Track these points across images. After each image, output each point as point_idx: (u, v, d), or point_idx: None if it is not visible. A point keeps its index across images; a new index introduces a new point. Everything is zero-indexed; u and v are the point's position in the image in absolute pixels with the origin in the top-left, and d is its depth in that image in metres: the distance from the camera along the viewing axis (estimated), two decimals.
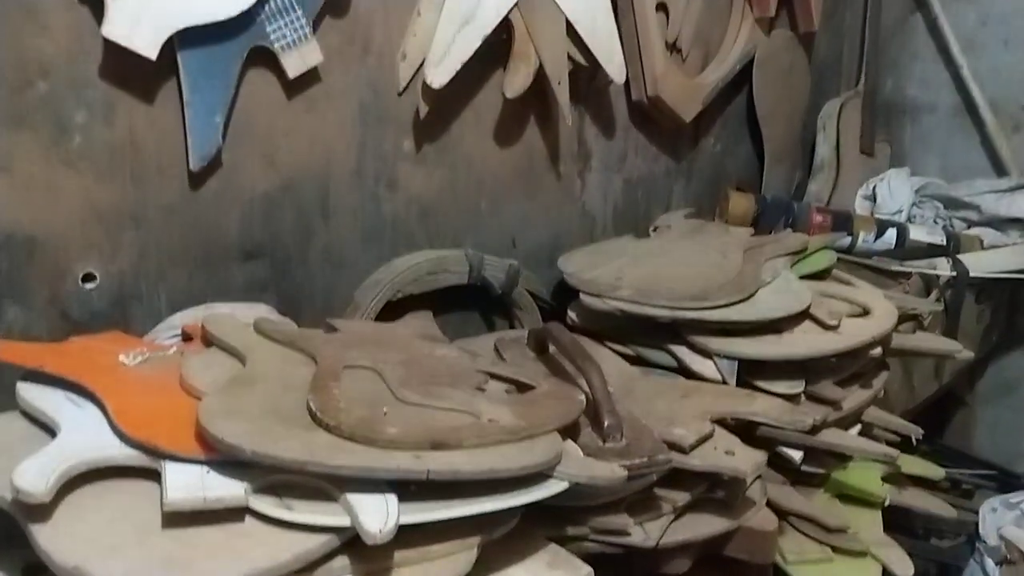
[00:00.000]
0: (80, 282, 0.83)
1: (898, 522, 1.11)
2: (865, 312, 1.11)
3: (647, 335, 1.06)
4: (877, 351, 1.06)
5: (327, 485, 0.58)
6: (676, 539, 0.81)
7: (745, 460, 0.82)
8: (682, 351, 1.03)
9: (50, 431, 0.64)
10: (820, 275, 1.24)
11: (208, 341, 0.80)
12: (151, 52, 0.80)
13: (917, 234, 1.50)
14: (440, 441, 0.61)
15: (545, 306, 1.24)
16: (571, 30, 1.15)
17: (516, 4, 1.06)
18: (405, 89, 1.05)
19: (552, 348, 0.97)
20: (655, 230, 1.37)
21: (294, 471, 0.56)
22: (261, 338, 0.80)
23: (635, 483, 0.79)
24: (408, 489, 0.59)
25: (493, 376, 0.81)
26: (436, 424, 0.64)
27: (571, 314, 1.13)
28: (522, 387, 0.81)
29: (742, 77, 1.52)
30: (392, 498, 0.57)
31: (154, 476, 0.59)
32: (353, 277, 1.05)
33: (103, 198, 0.83)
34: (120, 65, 0.81)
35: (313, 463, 0.56)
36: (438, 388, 0.73)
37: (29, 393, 0.67)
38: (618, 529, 0.77)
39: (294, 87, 0.95)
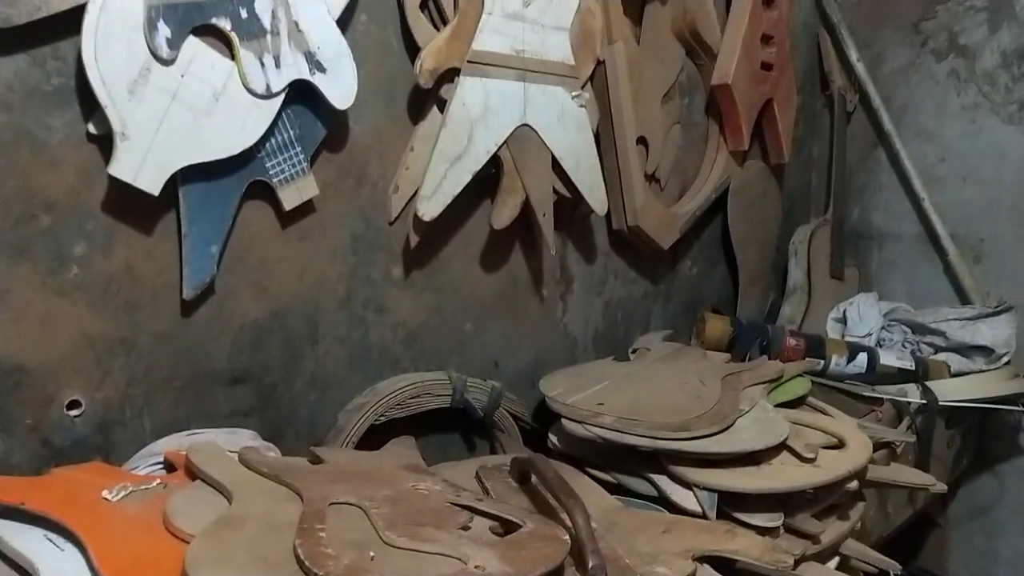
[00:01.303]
0: (65, 409, 0.83)
1: None
2: (841, 444, 1.13)
3: (628, 462, 1.07)
4: (854, 484, 1.08)
5: None
6: None
7: None
8: (663, 481, 1.04)
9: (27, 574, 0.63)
10: (795, 403, 1.27)
11: (192, 474, 0.80)
12: (154, 189, 0.83)
13: (887, 359, 1.54)
14: None
15: (527, 427, 1.25)
16: (556, 165, 1.20)
17: (505, 142, 1.12)
18: (396, 219, 1.09)
19: (534, 480, 0.97)
20: (634, 352, 1.39)
21: None
22: (246, 471, 0.80)
23: None
24: None
25: (478, 512, 0.81)
26: (424, 573, 0.64)
27: (552, 438, 1.14)
28: (507, 524, 0.81)
29: (717, 205, 1.59)
30: None
31: None
32: (338, 400, 1.06)
33: (95, 326, 0.84)
34: (121, 199, 0.84)
35: None
36: (424, 530, 0.73)
37: (7, 533, 0.66)
38: None
39: (289, 218, 0.98)
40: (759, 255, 1.70)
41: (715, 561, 0.89)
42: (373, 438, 1.05)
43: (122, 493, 0.73)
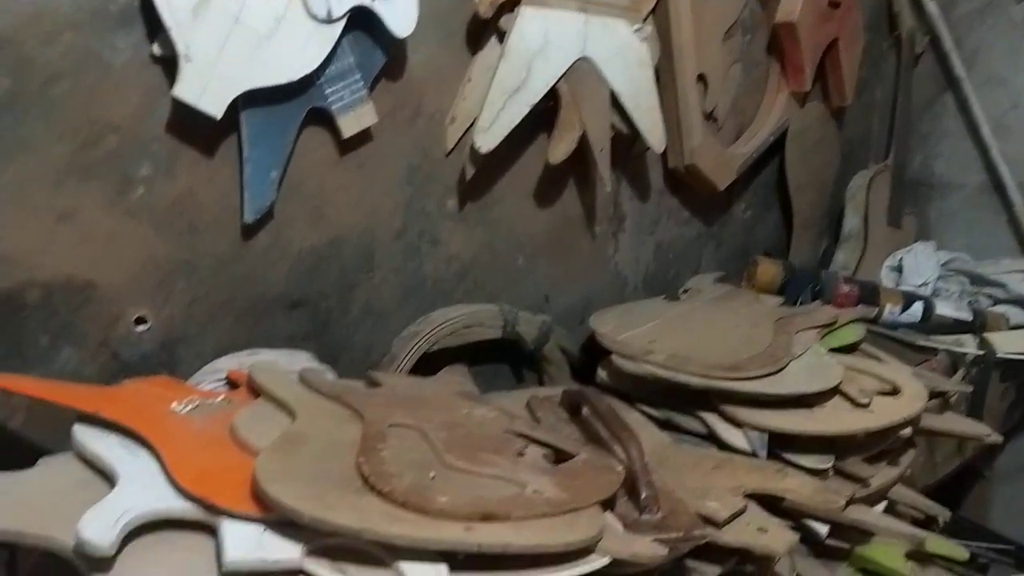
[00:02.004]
0: (132, 325, 0.85)
1: None
2: (895, 391, 1.12)
3: (678, 400, 1.07)
4: (907, 431, 1.07)
5: (380, 551, 0.59)
6: None
7: (777, 539, 0.82)
8: (713, 420, 1.03)
9: (105, 475, 0.66)
10: (849, 349, 1.25)
11: (255, 391, 0.82)
12: (217, 112, 0.83)
13: (943, 309, 1.51)
14: (490, 513, 0.62)
15: (575, 362, 1.25)
16: (614, 100, 1.18)
17: (564, 75, 1.10)
18: (452, 150, 1.08)
19: (585, 412, 0.98)
20: (685, 293, 1.38)
21: (349, 537, 0.57)
22: (307, 391, 0.81)
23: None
24: (455, 558, 0.60)
25: (532, 440, 0.82)
26: (485, 495, 0.65)
27: (601, 374, 1.14)
28: (559, 453, 0.82)
29: (774, 147, 1.55)
30: (443, 569, 0.58)
31: (209, 529, 0.60)
32: (391, 329, 1.07)
33: (159, 247, 0.86)
34: (185, 122, 0.84)
35: (369, 531, 0.57)
36: (481, 454, 0.74)
37: (85, 437, 0.68)
38: None
39: (347, 146, 0.98)
40: (815, 200, 1.67)
41: (764, 500, 0.90)
42: (425, 367, 1.06)
43: (189, 406, 0.75)
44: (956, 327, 1.49)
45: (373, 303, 1.05)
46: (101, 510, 0.57)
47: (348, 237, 1.01)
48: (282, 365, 0.90)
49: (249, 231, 0.92)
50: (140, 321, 0.86)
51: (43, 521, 0.59)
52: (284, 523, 0.59)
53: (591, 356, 1.26)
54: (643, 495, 0.79)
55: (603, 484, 0.75)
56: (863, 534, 1.03)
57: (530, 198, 1.20)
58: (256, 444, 0.68)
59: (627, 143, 1.27)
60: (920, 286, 1.63)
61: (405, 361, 1.05)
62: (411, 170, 1.05)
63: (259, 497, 0.60)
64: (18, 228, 0.76)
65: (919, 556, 1.12)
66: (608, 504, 0.75)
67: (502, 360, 1.23)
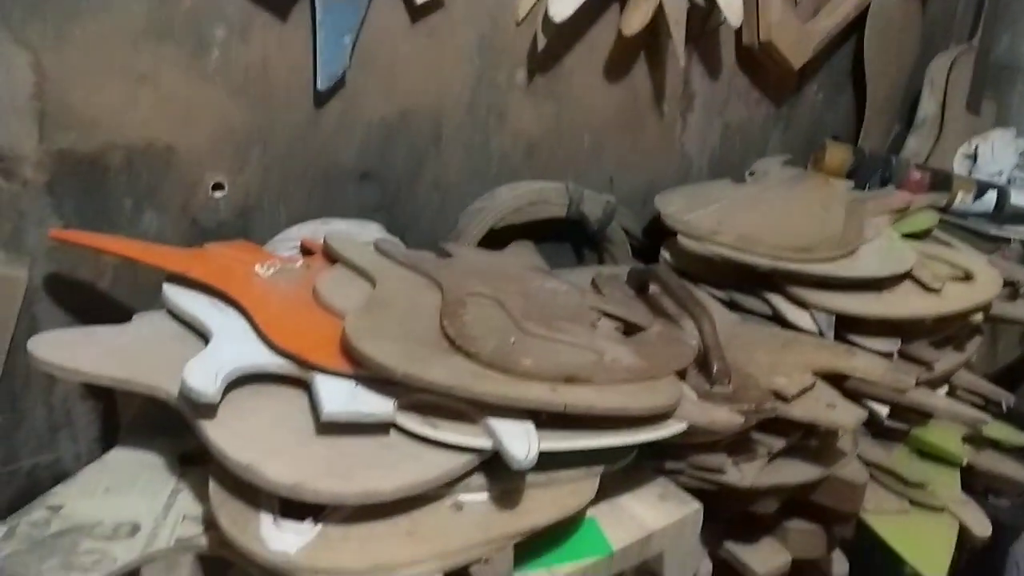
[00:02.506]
0: (210, 191, 0.86)
1: None
2: (967, 277, 1.10)
3: (743, 282, 1.06)
4: (978, 317, 1.06)
5: (468, 408, 0.61)
6: (769, 482, 0.83)
7: (846, 414, 0.83)
8: (779, 301, 1.03)
9: (196, 332, 0.68)
10: (920, 235, 1.22)
11: (331, 257, 0.83)
12: None
13: (1018, 199, 1.46)
14: (573, 376, 0.63)
15: (636, 244, 1.24)
16: None
17: None
18: (523, 19, 1.05)
19: (653, 289, 0.98)
20: (751, 175, 1.35)
21: (440, 394, 0.59)
22: (383, 259, 0.82)
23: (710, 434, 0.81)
24: (539, 417, 0.62)
25: (604, 314, 0.83)
26: (566, 359, 0.66)
27: (664, 254, 1.14)
28: (630, 327, 0.83)
29: (851, 26, 1.47)
30: (531, 426, 0.59)
31: (300, 384, 0.63)
32: (457, 204, 1.07)
33: (235, 114, 0.86)
34: None
35: (460, 388, 0.59)
36: (558, 322, 0.74)
37: (176, 296, 0.70)
38: (715, 468, 0.80)
39: (419, 13, 0.95)
40: (891, 83, 1.59)
41: (830, 379, 0.90)
42: (490, 243, 1.06)
43: (271, 270, 0.76)
44: None
45: (440, 177, 1.05)
46: (203, 361, 0.59)
47: (417, 109, 1.00)
48: (354, 235, 0.91)
49: (321, 99, 0.91)
50: (217, 187, 0.86)
51: (148, 370, 0.62)
52: (374, 380, 0.61)
53: (653, 238, 1.25)
54: (715, 368, 0.79)
55: (678, 355, 0.75)
56: (922, 416, 1.03)
57: (600, 73, 1.17)
58: (340, 306, 0.70)
59: (701, 17, 1.21)
60: (996, 175, 1.57)
61: (472, 236, 1.05)
62: (481, 40, 1.02)
63: (351, 354, 0.61)
64: (100, 89, 0.76)
65: (975, 440, 1.13)
66: (681, 376, 0.76)
67: (564, 239, 1.22)
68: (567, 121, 1.16)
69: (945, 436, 1.07)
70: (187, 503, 0.59)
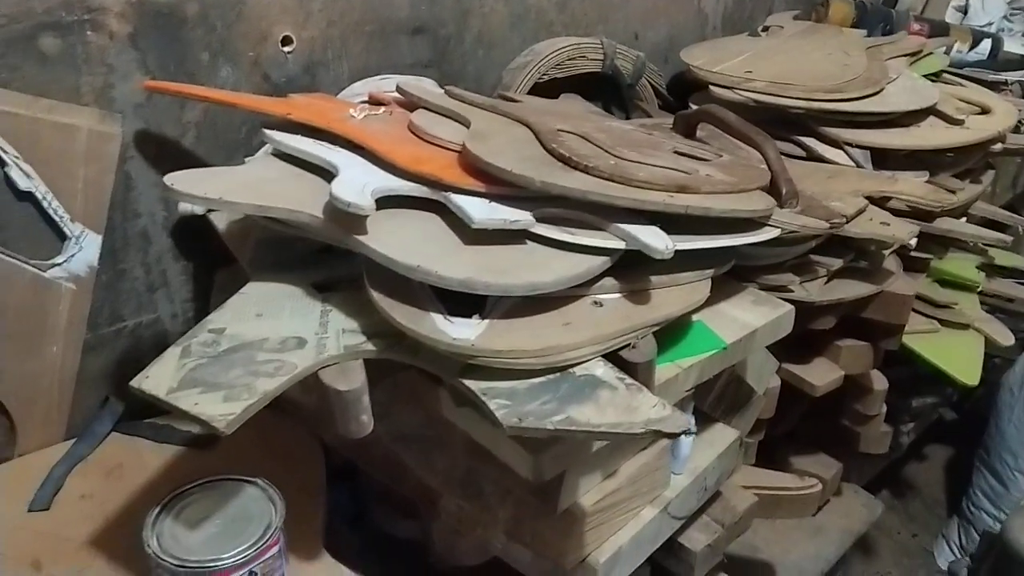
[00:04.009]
0: (280, 45, 0.86)
1: None
2: (985, 111, 1.16)
3: (773, 127, 1.10)
4: (998, 147, 1.12)
5: (592, 218, 0.64)
6: (831, 298, 0.90)
7: (901, 229, 0.89)
8: (812, 142, 1.08)
9: (310, 169, 0.69)
10: (932, 77, 1.27)
11: (409, 105, 0.84)
12: None
13: (1011, 46, 1.52)
14: (683, 186, 0.67)
15: (663, 97, 1.27)
16: None
17: None
18: None
19: (701, 134, 1.01)
20: (765, 31, 1.38)
21: (574, 200, 0.62)
22: (462, 104, 0.84)
23: (798, 247, 0.87)
24: (655, 222, 0.66)
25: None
26: (672, 174, 0.69)
27: (693, 106, 1.17)
28: (695, 158, 0.86)
29: None
30: (657, 228, 0.63)
31: (428, 205, 0.65)
32: (499, 60, 1.08)
33: None
34: None
35: (594, 194, 0.62)
36: (644, 150, 0.78)
37: (283, 138, 0.71)
38: (783, 285, 0.86)
39: None
40: None
41: (876, 203, 0.96)
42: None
43: (363, 114, 0.78)
44: (1022, 63, 1.50)
45: (484, 32, 1.05)
46: (346, 183, 0.61)
47: None
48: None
49: None
50: (286, 41, 0.86)
51: (285, 199, 0.63)
52: (503, 196, 0.64)
53: (676, 92, 1.28)
54: (784, 190, 0.84)
55: (757, 174, 0.80)
56: (943, 247, 1.11)
57: None
58: (446, 137, 0.72)
59: None
60: (985, 25, 1.62)
61: (517, 90, 1.06)
62: None
63: (483, 172, 0.64)
64: None
65: (989, 268, 1.22)
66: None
67: (594, 96, 1.24)
68: None
69: (962, 266, 1.16)
70: (340, 320, 0.62)
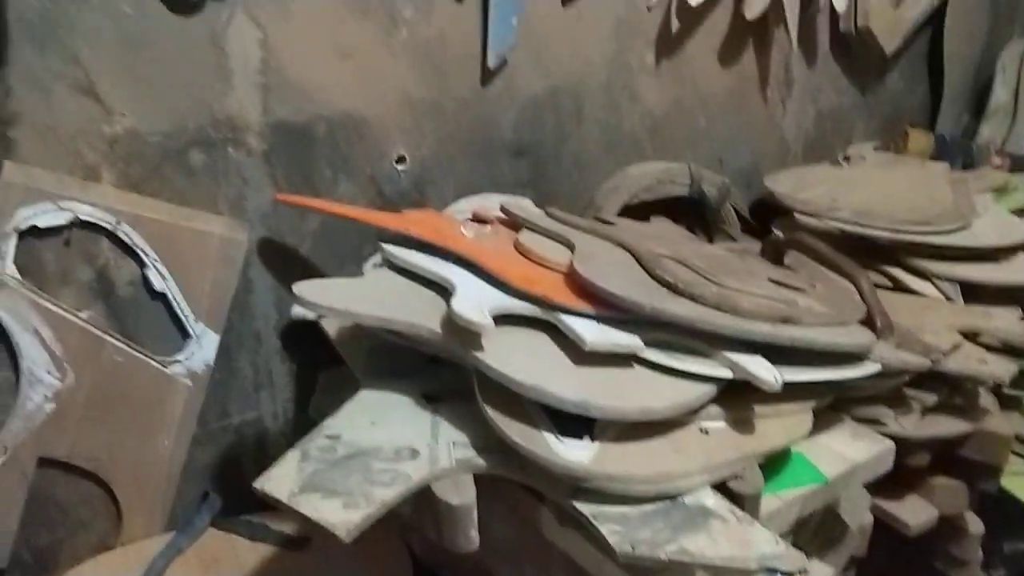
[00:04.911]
0: (394, 163, 0.91)
1: None
2: None
3: (857, 256, 1.11)
4: None
5: (697, 344, 0.66)
6: (927, 434, 0.88)
7: (999, 368, 0.88)
8: (900, 273, 1.08)
9: (421, 282, 0.73)
10: (1018, 213, 1.28)
11: (513, 224, 0.88)
12: None
13: None
14: (787, 317, 0.69)
15: (745, 223, 1.30)
16: None
17: None
18: (654, 5, 1.10)
19: (789, 260, 1.03)
20: (846, 160, 1.41)
21: (682, 328, 0.64)
22: (564, 225, 0.87)
23: (892, 380, 0.87)
24: (759, 352, 0.67)
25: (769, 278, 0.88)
26: (774, 304, 0.71)
27: (777, 233, 1.19)
28: (790, 287, 0.88)
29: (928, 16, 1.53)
30: (763, 359, 0.64)
31: (535, 324, 0.68)
32: (592, 181, 1.13)
33: (415, 88, 0.91)
34: None
35: (702, 322, 0.64)
36: (741, 277, 0.80)
37: (401, 253, 0.75)
38: (877, 419, 0.85)
39: None
40: (965, 71, 1.65)
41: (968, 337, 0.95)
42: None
43: (472, 231, 0.82)
44: None
45: (580, 154, 1.10)
46: (464, 300, 0.64)
47: (564, 87, 1.05)
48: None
49: (487, 76, 0.96)
50: (400, 160, 0.92)
51: (405, 312, 0.67)
52: (611, 318, 0.66)
53: (758, 217, 1.30)
54: (879, 322, 0.85)
55: (854, 307, 0.80)
56: None
57: (715, 57, 1.23)
58: (552, 258, 0.75)
59: (804, 4, 1.27)
60: None
61: (609, 212, 1.10)
62: (619, 23, 1.08)
63: (594, 295, 0.66)
64: (312, 64, 0.82)
65: None
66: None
67: (677, 217, 1.28)
68: (686, 102, 1.22)
69: None
70: (450, 432, 0.64)
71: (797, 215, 1.15)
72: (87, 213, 0.72)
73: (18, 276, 0.70)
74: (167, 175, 0.75)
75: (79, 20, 0.68)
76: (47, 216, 0.70)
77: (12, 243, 0.69)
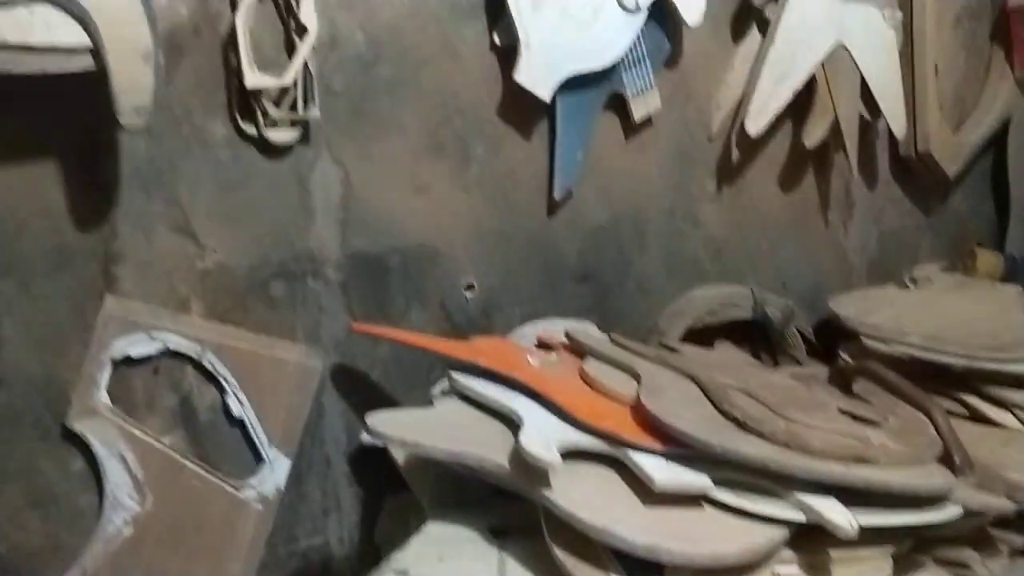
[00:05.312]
0: (463, 291, 0.95)
1: None
2: None
3: (928, 383, 1.09)
4: None
5: (767, 484, 0.65)
6: None
7: None
8: (976, 401, 1.05)
9: (488, 411, 0.74)
10: None
11: (577, 351, 0.89)
12: (547, 95, 0.91)
13: None
14: (860, 456, 0.68)
15: (809, 346, 1.28)
16: (862, 85, 1.21)
17: (822, 60, 1.14)
18: (715, 135, 1.14)
19: (858, 388, 1.01)
20: (914, 282, 1.39)
21: (752, 468, 0.64)
22: (628, 353, 0.88)
23: (975, 519, 0.83)
24: (831, 494, 0.66)
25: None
26: (847, 442, 0.70)
27: (844, 357, 1.17)
28: (861, 420, 0.86)
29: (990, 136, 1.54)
30: (837, 502, 0.63)
31: (600, 459, 0.68)
32: (655, 305, 1.14)
33: (486, 221, 0.95)
34: (512, 105, 0.93)
35: (773, 462, 0.63)
36: (812, 411, 0.79)
37: (469, 382, 0.77)
38: (963, 562, 0.81)
39: (632, 130, 1.05)
40: None
41: None
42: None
43: (538, 359, 0.83)
44: None
45: (643, 279, 1.12)
46: (532, 435, 0.65)
47: (626, 215, 1.08)
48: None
49: (554, 207, 1.00)
50: (470, 288, 0.95)
51: (474, 445, 0.68)
52: (679, 455, 0.66)
53: (823, 339, 1.29)
54: (958, 459, 0.82)
55: (930, 442, 0.78)
56: None
57: (775, 182, 1.25)
58: (618, 389, 0.76)
59: (863, 129, 1.30)
60: None
61: (673, 336, 1.11)
62: (680, 153, 1.12)
63: (664, 432, 0.67)
64: (388, 200, 0.87)
65: None
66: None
67: (740, 340, 1.27)
68: (748, 227, 1.23)
69: None
70: (516, 569, 0.64)
71: (864, 339, 1.14)
72: (176, 343, 0.76)
73: (110, 404, 0.74)
74: (250, 305, 0.79)
75: (182, 167, 0.74)
76: (140, 346, 0.74)
77: (107, 372, 0.74)
